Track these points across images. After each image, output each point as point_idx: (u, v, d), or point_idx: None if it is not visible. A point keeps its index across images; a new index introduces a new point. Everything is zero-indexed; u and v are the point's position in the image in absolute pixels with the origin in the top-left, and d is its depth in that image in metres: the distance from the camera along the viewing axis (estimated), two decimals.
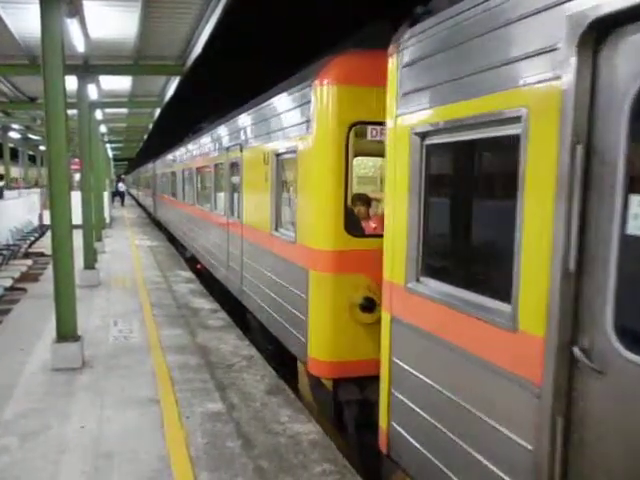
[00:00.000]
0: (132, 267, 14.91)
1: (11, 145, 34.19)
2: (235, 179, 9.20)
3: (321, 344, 5.44)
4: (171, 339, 8.27)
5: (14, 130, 29.35)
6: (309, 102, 5.49)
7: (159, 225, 26.15)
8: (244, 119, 8.54)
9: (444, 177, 3.94)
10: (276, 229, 6.80)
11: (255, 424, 5.49)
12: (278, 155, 6.66)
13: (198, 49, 11.38)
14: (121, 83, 15.97)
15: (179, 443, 5.05)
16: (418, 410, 3.64)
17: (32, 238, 18.90)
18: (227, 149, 9.73)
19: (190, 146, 15.24)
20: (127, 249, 18.59)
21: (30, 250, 16.95)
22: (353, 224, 5.47)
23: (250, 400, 6.08)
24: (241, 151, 8.49)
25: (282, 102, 6.56)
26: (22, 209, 20.84)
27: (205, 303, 10.79)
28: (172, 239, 20.49)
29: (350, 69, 5.25)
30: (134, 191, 56.75)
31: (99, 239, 17.30)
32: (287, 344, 6.41)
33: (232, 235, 9.36)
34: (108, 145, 37.73)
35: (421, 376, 3.62)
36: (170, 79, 15.36)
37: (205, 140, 12.64)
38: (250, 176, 8.10)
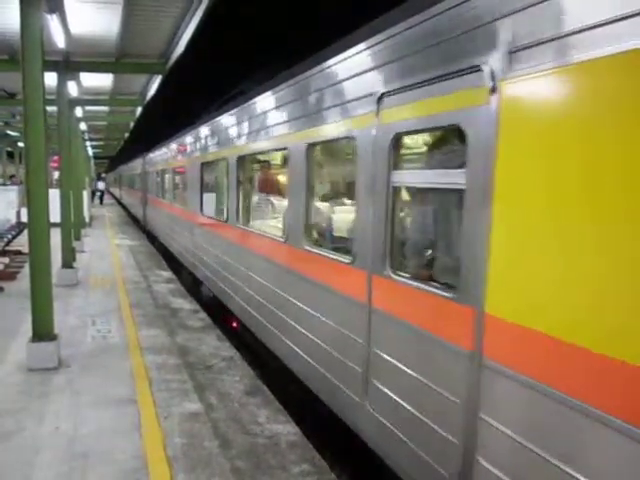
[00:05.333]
0: (111, 266, 14.75)
1: None
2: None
3: None
4: (150, 339, 8.20)
5: None
6: None
7: (149, 236, 21.55)
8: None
9: None
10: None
11: (233, 425, 5.47)
12: None
13: (181, 47, 11.32)
14: (102, 80, 15.79)
15: (156, 443, 5.01)
16: None
17: (9, 236, 18.63)
18: (352, 109, 4.50)
19: (216, 126, 9.86)
20: (107, 248, 18.38)
21: (7, 248, 16.69)
22: None
23: (228, 401, 6.06)
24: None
25: None
26: None
27: (185, 303, 10.72)
28: (151, 237, 20.21)
29: None
30: (116, 191, 55.98)
31: (78, 238, 17.11)
32: None
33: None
34: (88, 143, 37.32)
35: None
36: (152, 77, 15.24)
37: (251, 110, 7.54)
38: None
